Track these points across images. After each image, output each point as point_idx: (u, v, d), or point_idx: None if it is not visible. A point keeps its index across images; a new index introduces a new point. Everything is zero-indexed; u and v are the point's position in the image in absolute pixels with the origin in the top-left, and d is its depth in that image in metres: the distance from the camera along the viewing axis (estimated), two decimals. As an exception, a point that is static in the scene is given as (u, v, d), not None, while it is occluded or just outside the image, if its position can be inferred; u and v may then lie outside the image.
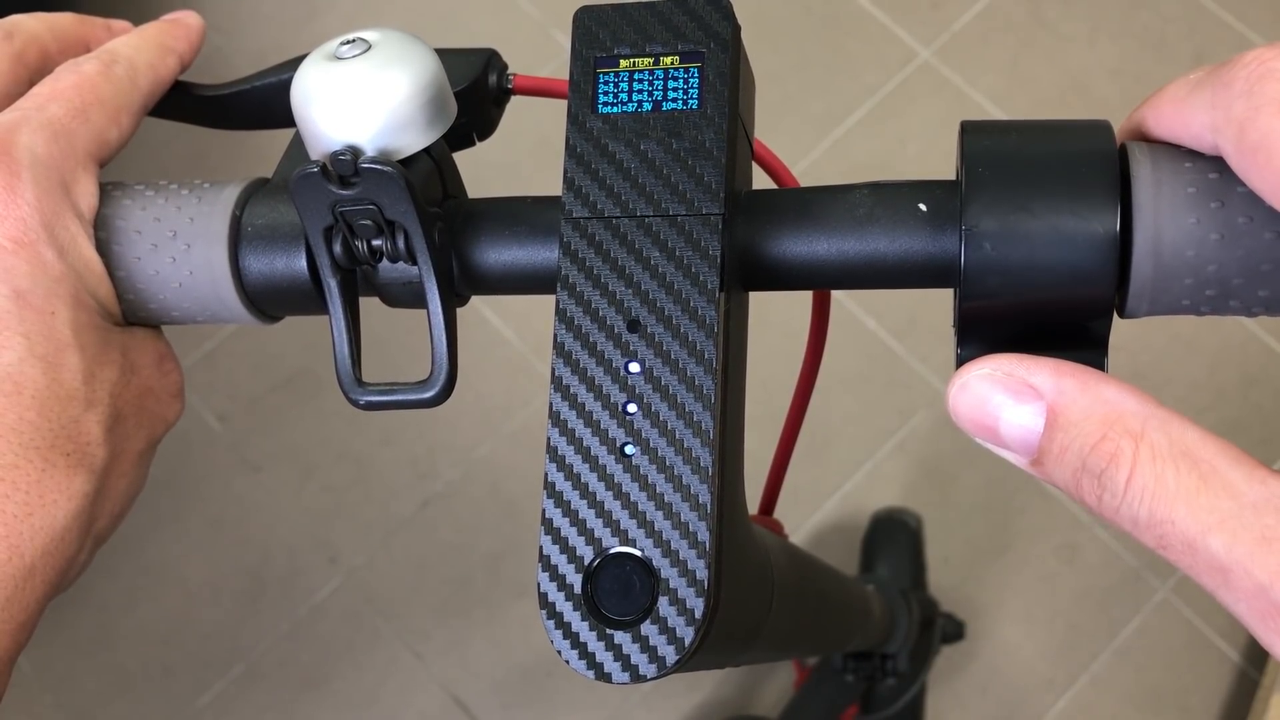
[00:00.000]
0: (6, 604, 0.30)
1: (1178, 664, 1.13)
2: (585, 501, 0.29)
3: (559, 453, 0.30)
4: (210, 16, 1.43)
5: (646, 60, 0.32)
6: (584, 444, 0.29)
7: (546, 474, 0.29)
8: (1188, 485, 0.24)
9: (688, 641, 0.28)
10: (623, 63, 0.32)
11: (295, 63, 0.35)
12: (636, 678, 0.28)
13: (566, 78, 0.33)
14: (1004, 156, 0.29)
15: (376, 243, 0.32)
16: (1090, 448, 0.25)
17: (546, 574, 0.29)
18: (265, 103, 0.38)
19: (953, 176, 0.32)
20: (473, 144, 0.37)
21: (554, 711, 1.17)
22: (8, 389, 0.31)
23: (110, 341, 0.34)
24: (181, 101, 0.39)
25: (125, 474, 0.35)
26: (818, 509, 1.20)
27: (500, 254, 0.33)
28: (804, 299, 0.41)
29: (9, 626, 0.30)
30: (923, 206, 0.31)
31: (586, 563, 0.29)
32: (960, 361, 0.31)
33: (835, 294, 1.21)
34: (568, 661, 0.28)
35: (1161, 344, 1.21)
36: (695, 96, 0.31)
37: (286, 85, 0.33)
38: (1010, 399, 0.27)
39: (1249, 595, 0.23)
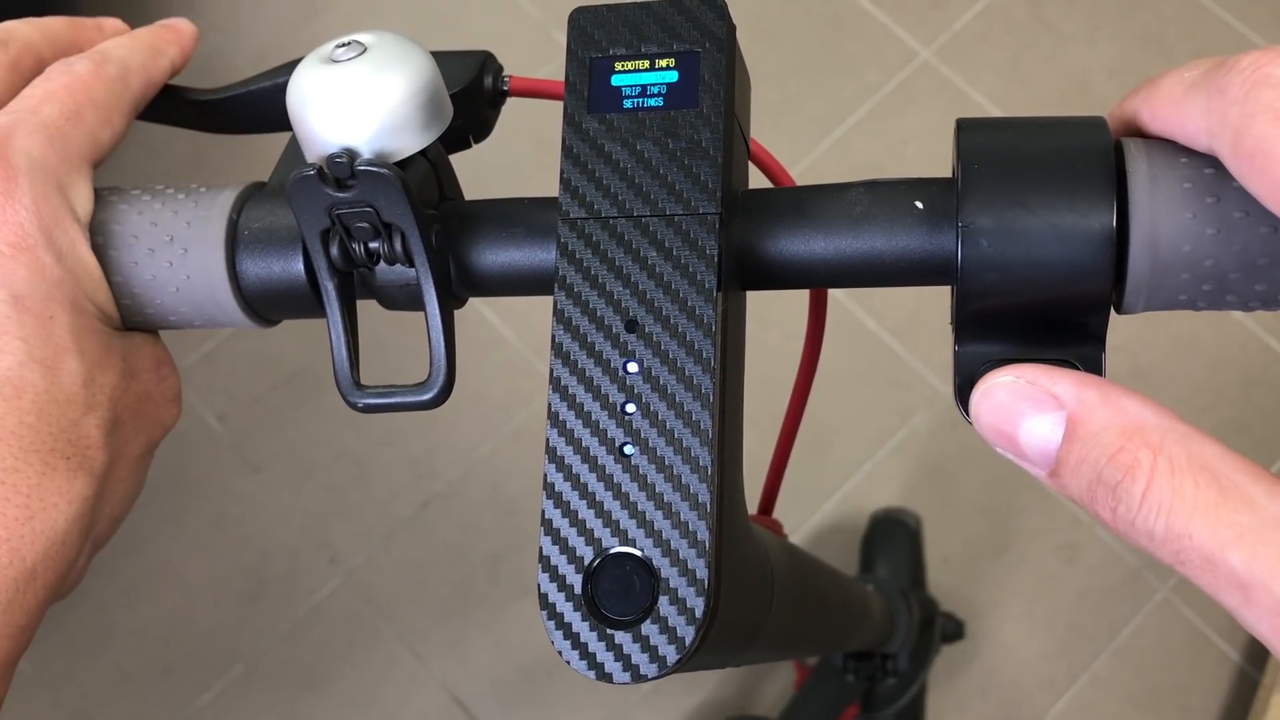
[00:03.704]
0: (8, 607, 0.30)
1: (1178, 664, 1.13)
2: (585, 502, 0.29)
3: (558, 453, 0.30)
4: (210, 16, 1.43)
5: (642, 60, 0.32)
6: (583, 444, 0.29)
7: (546, 475, 0.29)
8: (1207, 499, 0.23)
9: (688, 641, 0.28)
10: (618, 64, 0.32)
11: (290, 66, 0.35)
12: (637, 677, 0.28)
13: (563, 79, 0.33)
14: (1000, 153, 0.29)
15: (373, 245, 0.32)
16: (1107, 458, 0.25)
17: (546, 574, 0.29)
18: (260, 106, 0.38)
19: (949, 174, 0.32)
20: (469, 146, 0.38)
21: (554, 711, 1.17)
22: (7, 393, 0.31)
23: (110, 346, 0.34)
24: (176, 106, 0.39)
25: (124, 478, 0.35)
26: (817, 509, 1.20)
27: (497, 256, 0.33)
28: (805, 300, 0.41)
29: (10, 630, 0.30)
30: (919, 204, 0.31)
31: (586, 563, 0.29)
32: (956, 359, 0.31)
33: (835, 294, 1.21)
34: (568, 662, 0.28)
35: (1162, 344, 1.21)
36: (691, 96, 0.31)
37: (281, 89, 0.33)
38: (1031, 408, 0.26)
39: (1271, 613, 0.22)
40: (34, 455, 0.31)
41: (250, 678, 1.20)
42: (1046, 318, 0.29)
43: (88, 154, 0.34)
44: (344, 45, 0.31)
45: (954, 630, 1.08)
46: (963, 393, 0.30)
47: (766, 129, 1.12)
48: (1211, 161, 0.28)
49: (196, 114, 0.39)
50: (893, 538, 1.12)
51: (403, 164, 0.32)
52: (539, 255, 0.33)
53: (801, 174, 1.30)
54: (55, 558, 0.31)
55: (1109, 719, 1.12)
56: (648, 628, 0.28)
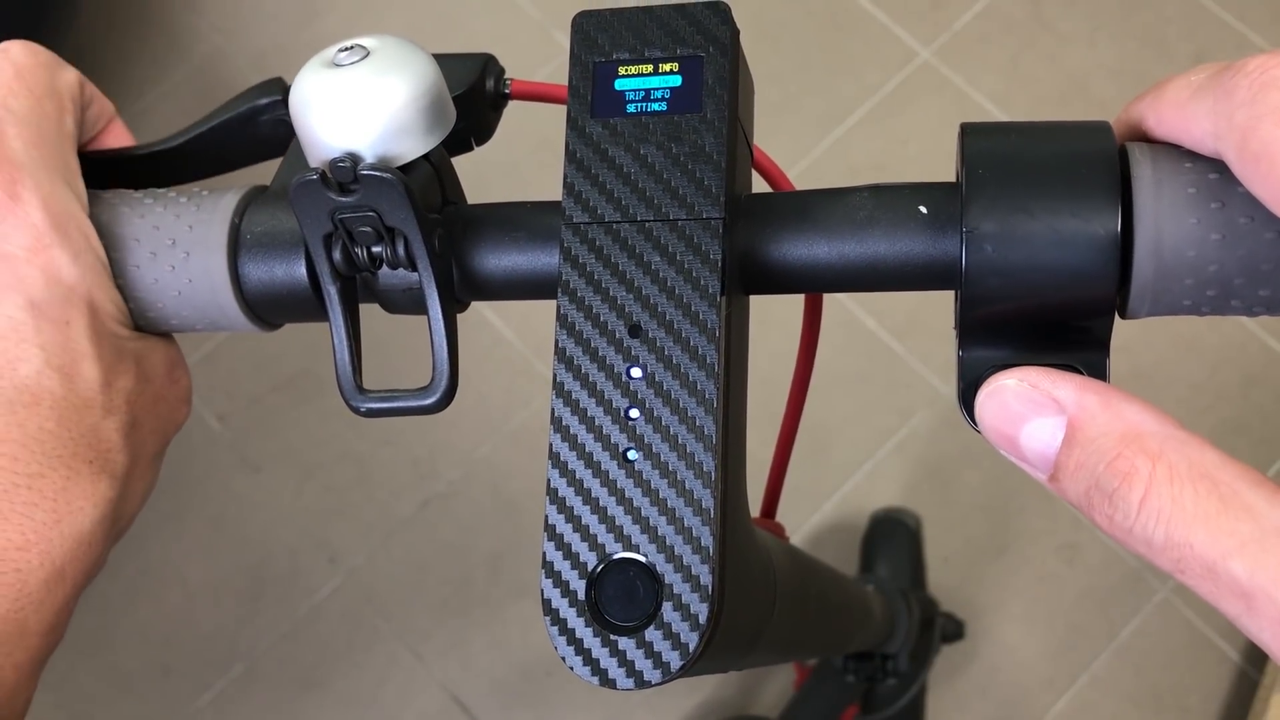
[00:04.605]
0: (39, 607, 0.31)
1: (1178, 664, 1.13)
2: (588, 507, 0.29)
3: (561, 458, 0.29)
4: (210, 16, 1.43)
5: (646, 65, 0.32)
6: (586, 449, 0.29)
7: (549, 480, 0.29)
8: (1207, 507, 0.23)
9: (692, 647, 0.28)
10: (622, 68, 0.32)
11: (242, 99, 0.36)
12: (641, 683, 0.28)
13: (565, 80, 0.33)
14: (1004, 158, 0.29)
15: (376, 249, 0.32)
16: (1104, 465, 0.25)
17: (550, 580, 0.29)
18: (217, 146, 0.37)
19: (953, 178, 0.32)
20: (470, 149, 0.37)
21: (554, 711, 1.17)
22: (26, 400, 0.31)
23: (125, 350, 0.34)
24: (131, 166, 0.38)
25: (142, 476, 0.35)
26: (817, 509, 1.20)
27: (500, 260, 0.33)
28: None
29: (41, 628, 0.31)
30: (923, 209, 0.31)
31: (590, 569, 0.29)
32: (960, 363, 0.31)
33: (836, 295, 1.20)
34: (572, 668, 0.28)
35: (1162, 345, 1.21)
36: (695, 101, 0.31)
37: (240, 122, 0.33)
38: (1032, 411, 0.26)
39: (1274, 621, 0.22)
40: (57, 460, 0.31)
41: (250, 678, 1.20)
42: (1050, 322, 0.29)
43: (71, 142, 0.34)
44: (347, 49, 0.31)
45: (954, 630, 1.08)
46: (967, 397, 0.30)
47: (767, 129, 1.11)
48: (1217, 166, 0.28)
49: (155, 166, 0.38)
50: (893, 538, 1.12)
51: (406, 168, 0.32)
52: (542, 259, 0.33)
53: (802, 173, 1.30)
54: (82, 558, 0.32)
55: (1109, 719, 1.12)
56: (651, 634, 0.28)
